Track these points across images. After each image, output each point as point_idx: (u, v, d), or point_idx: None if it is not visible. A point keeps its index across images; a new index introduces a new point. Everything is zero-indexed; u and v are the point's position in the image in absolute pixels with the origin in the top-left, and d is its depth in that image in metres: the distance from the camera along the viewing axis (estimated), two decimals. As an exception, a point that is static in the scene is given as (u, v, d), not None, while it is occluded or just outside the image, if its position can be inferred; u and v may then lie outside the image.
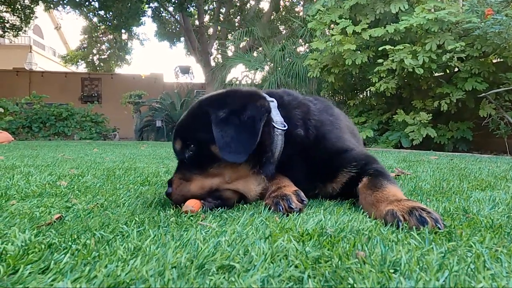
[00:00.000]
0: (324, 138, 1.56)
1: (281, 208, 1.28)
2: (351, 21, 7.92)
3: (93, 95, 18.79)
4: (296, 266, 0.73)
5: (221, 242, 0.91)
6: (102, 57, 22.58)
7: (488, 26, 5.28)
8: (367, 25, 7.75)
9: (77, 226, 1.07)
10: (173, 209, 1.32)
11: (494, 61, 7.08)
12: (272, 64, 13.13)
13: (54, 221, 1.14)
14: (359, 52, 7.93)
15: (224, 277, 0.68)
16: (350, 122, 2.09)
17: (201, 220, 1.19)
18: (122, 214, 1.24)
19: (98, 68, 22.38)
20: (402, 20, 7.05)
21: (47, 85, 17.59)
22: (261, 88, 12.61)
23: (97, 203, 1.43)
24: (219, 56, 21.36)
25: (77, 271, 0.71)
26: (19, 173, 2.25)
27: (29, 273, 0.72)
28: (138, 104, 15.44)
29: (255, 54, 15.86)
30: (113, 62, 22.80)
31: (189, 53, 19.25)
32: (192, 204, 1.33)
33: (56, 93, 16.17)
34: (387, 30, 7.21)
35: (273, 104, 1.53)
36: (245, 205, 1.44)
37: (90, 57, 22.31)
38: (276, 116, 1.51)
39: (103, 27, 18.76)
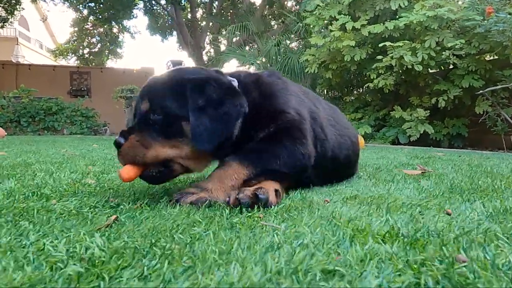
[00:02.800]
0: (268, 100, 1.67)
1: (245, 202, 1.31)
2: (350, 17, 7.93)
3: (82, 89, 18.38)
4: (402, 271, 0.72)
5: (304, 244, 0.88)
6: (93, 50, 22.07)
7: (491, 24, 5.34)
8: (366, 22, 7.77)
9: (142, 228, 1.03)
10: (228, 209, 1.28)
11: (488, 58, 7.21)
12: (266, 60, 13.07)
13: (113, 223, 1.09)
14: (357, 48, 7.95)
15: (341, 282, 0.66)
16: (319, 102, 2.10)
17: (263, 220, 1.16)
18: (177, 215, 1.20)
19: (89, 62, 21.88)
20: (401, 17, 7.09)
21: (34, 78, 17.09)
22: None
23: (142, 202, 1.38)
24: (211, 50, 21.19)
25: (182, 279, 0.68)
26: (39, 171, 2.17)
27: (127, 279, 0.68)
28: (130, 98, 15.16)
29: (247, 48, 15.78)
30: (104, 55, 22.32)
31: (181, 47, 18.98)
32: (128, 171, 1.41)
33: (44, 86, 15.73)
34: (386, 27, 7.25)
35: (235, 84, 1.64)
36: (292, 203, 1.40)
37: (80, 51, 21.78)
38: None
39: (93, 19, 18.31)
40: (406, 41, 6.93)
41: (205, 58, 18.70)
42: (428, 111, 7.39)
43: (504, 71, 6.48)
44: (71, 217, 1.17)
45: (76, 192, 1.59)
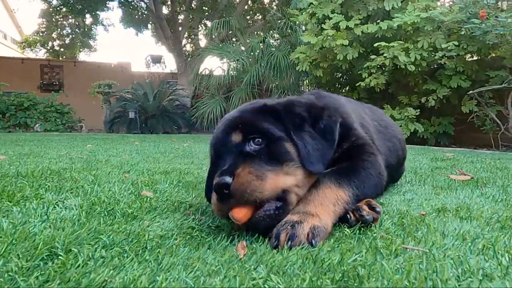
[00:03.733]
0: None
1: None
2: (343, 16, 7.99)
3: (54, 83, 17.42)
4: None
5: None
6: (64, 43, 20.88)
7: (489, 28, 5.56)
8: (359, 21, 7.86)
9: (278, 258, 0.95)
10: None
11: (472, 59, 7.54)
12: (251, 56, 12.94)
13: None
14: (349, 47, 8.04)
15: None
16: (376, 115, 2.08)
17: (392, 243, 1.11)
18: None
19: (59, 55, 20.70)
20: (394, 17, 7.23)
21: (0, 71, 15.99)
22: (241, 80, 12.48)
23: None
24: (189, 45, 20.72)
25: None
26: (80, 180, 1.98)
27: None
28: (108, 94, 14.56)
29: (227, 44, 15.55)
30: (76, 48, 21.20)
31: (160, 42, 18.40)
32: (241, 214, 1.15)
33: (12, 80, 14.72)
34: (380, 27, 7.36)
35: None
36: (394, 220, 1.36)
37: (50, 43, 20.55)
38: None
39: (64, 10, 17.31)
40: (400, 41, 7.07)
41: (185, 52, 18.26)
42: (418, 110, 7.61)
43: (490, 72, 6.79)
44: (191, 242, 1.06)
45: (149, 208, 1.46)
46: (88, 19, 20.47)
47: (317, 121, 1.39)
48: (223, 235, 1.17)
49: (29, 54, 21.47)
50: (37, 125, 12.88)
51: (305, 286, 0.78)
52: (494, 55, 7.19)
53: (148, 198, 1.67)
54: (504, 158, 3.81)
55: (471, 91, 6.72)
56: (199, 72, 14.60)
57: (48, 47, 20.74)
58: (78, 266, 0.90)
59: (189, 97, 15.65)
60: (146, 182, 2.08)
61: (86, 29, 20.51)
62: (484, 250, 1.02)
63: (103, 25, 21.26)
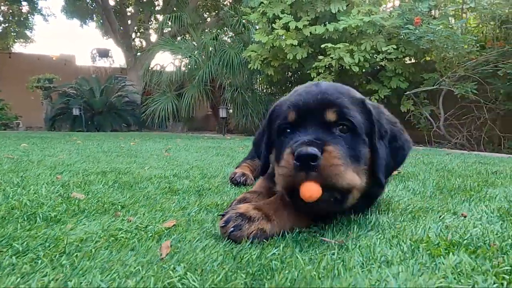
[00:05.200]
0: None
1: None
2: (292, 16, 8.19)
3: (-15, 76, 15.85)
4: None
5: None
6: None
7: (422, 33, 6.01)
8: (308, 22, 8.11)
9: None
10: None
11: (408, 62, 8.14)
12: (204, 53, 12.79)
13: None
14: (299, 47, 8.26)
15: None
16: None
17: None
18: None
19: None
20: (340, 20, 7.56)
21: None
22: (194, 77, 12.29)
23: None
24: (139, 39, 19.97)
25: None
26: (11, 185, 1.83)
27: None
28: (48, 89, 13.59)
29: (178, 39, 15.21)
30: (10, 38, 19.42)
31: (107, 35, 17.50)
32: (312, 189, 1.11)
33: None
34: (327, 29, 7.65)
35: None
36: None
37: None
38: None
39: (-3, -4, 15.75)
40: (345, 43, 7.41)
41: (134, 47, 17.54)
42: (362, 109, 8.05)
43: (424, 74, 7.36)
44: (114, 245, 1.05)
45: (76, 211, 1.41)
46: (25, 7, 18.89)
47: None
48: (149, 235, 1.16)
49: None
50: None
51: (219, 281, 0.81)
52: (427, 58, 7.82)
53: (77, 200, 1.60)
54: (432, 154, 4.16)
55: (408, 92, 7.23)
56: (149, 68, 14.13)
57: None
58: (-17, 275, 0.85)
59: (139, 93, 15.11)
60: (79, 183, 1.98)
61: (22, 18, 18.88)
62: (391, 239, 1.12)
63: (42, 14, 19.73)
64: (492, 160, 3.53)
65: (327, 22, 8.17)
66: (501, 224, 1.29)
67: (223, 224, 1.15)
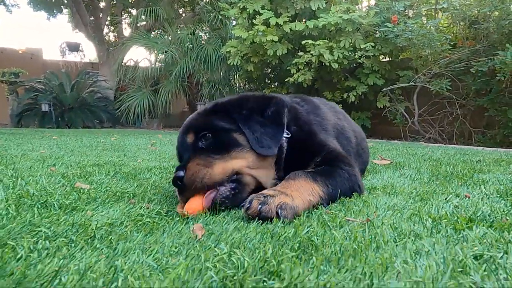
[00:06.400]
0: (309, 137, 1.64)
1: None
2: (272, 12, 8.23)
3: None
4: None
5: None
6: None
7: (401, 32, 6.23)
8: (288, 19, 8.18)
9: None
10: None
11: (384, 60, 8.42)
12: (180, 48, 12.57)
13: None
14: (279, 43, 8.32)
15: None
16: (343, 119, 2.13)
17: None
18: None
19: None
20: (320, 17, 7.68)
21: None
22: (171, 73, 12.06)
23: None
24: (112, 33, 19.33)
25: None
26: (7, 177, 1.73)
27: None
28: (14, 83, 12.87)
29: (153, 34, 14.86)
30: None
31: (77, 28, 16.79)
32: (192, 206, 1.25)
33: None
34: (307, 25, 7.76)
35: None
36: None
37: None
38: None
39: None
40: (325, 40, 7.54)
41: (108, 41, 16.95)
42: (340, 105, 8.23)
43: (400, 72, 7.64)
44: (144, 228, 1.03)
45: (88, 199, 1.37)
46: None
47: (265, 110, 1.50)
48: (177, 219, 1.15)
49: None
50: None
51: (270, 255, 0.82)
52: (403, 56, 8.12)
53: (85, 190, 1.55)
54: (412, 147, 4.35)
55: (384, 88, 7.48)
56: (123, 63, 13.71)
57: None
58: (19, 259, 0.81)
59: (113, 89, 14.63)
60: (79, 174, 1.92)
61: (-17, 9, 17.73)
62: (411, 217, 1.18)
63: (5, 5, 18.60)
64: (470, 151, 3.74)
65: (307, 19, 8.29)
66: (504, 203, 1.38)
67: (248, 205, 1.18)
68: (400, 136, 7.52)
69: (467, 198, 1.47)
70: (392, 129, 8.12)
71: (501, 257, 0.82)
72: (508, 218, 1.15)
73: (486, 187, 1.69)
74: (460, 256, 0.82)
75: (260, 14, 8.19)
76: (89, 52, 26.84)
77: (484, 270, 0.75)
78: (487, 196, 1.49)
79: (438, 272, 0.73)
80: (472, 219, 1.13)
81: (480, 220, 1.13)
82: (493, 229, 1.04)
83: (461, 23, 6.82)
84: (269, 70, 10.25)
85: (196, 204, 1.26)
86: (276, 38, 8.08)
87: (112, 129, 11.96)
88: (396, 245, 0.91)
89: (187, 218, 1.18)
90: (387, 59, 8.48)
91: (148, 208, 1.31)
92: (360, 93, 7.98)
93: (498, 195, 1.50)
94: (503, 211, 1.25)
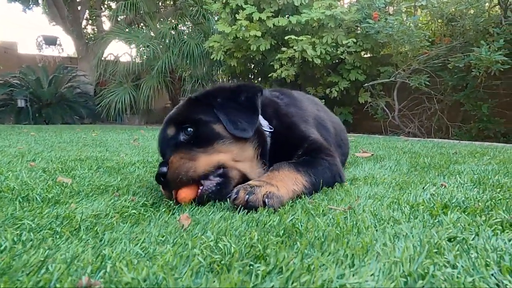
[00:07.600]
0: (290, 129, 1.68)
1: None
2: (255, 7, 8.22)
3: None
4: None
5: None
6: None
7: (381, 28, 6.34)
8: (271, 14, 8.19)
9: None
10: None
11: (366, 56, 8.57)
12: (162, 43, 12.39)
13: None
14: (262, 38, 8.33)
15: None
16: (321, 111, 2.24)
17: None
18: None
19: None
20: (303, 13, 7.73)
21: None
22: (152, 68, 11.88)
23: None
24: (91, 27, 18.85)
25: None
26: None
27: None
28: (-12, 79, 12.40)
29: (134, 28, 14.57)
30: None
31: (54, 21, 16.27)
32: (183, 195, 1.27)
33: None
34: (290, 21, 7.79)
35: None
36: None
37: None
38: (262, 121, 1.61)
39: None
40: (307, 36, 7.60)
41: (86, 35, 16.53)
42: (323, 100, 8.33)
43: (380, 68, 7.79)
44: (129, 219, 1.04)
45: (71, 192, 1.36)
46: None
47: (238, 96, 1.53)
48: (163, 210, 1.16)
49: None
50: None
51: (256, 241, 0.85)
52: (383, 52, 8.28)
53: (68, 184, 1.53)
54: (393, 141, 4.46)
55: (366, 84, 7.62)
56: (103, 58, 13.40)
57: None
58: (3, 250, 0.81)
59: (92, 84, 14.30)
60: (60, 169, 1.89)
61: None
62: (391, 205, 1.23)
63: (-23, -4, 17.82)
64: (447, 144, 3.87)
65: (290, 15, 8.32)
66: (477, 190, 1.45)
67: (235, 196, 1.20)
68: (381, 131, 7.69)
69: (443, 187, 1.54)
70: (373, 124, 8.28)
71: (473, 239, 0.87)
72: (480, 204, 1.21)
73: (461, 176, 1.77)
74: (436, 238, 0.87)
75: (243, 9, 8.17)
76: (68, 47, 26.06)
77: (457, 250, 0.79)
78: (462, 185, 1.57)
79: (415, 253, 0.78)
80: (447, 205, 1.19)
81: (454, 206, 1.19)
82: (466, 214, 1.10)
83: (439, 21, 7.01)
84: (253, 65, 10.25)
85: (186, 193, 1.27)
86: (259, 34, 8.08)
87: (92, 125, 11.71)
88: (376, 230, 0.96)
89: (173, 208, 1.19)
90: (368, 55, 8.63)
91: (133, 200, 1.31)
92: (342, 89, 8.10)
93: (472, 184, 1.58)
94: (476, 198, 1.32)
